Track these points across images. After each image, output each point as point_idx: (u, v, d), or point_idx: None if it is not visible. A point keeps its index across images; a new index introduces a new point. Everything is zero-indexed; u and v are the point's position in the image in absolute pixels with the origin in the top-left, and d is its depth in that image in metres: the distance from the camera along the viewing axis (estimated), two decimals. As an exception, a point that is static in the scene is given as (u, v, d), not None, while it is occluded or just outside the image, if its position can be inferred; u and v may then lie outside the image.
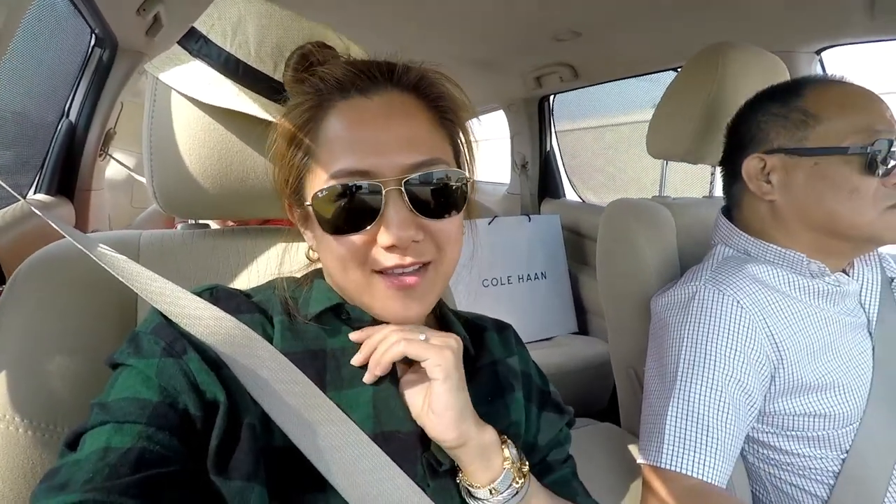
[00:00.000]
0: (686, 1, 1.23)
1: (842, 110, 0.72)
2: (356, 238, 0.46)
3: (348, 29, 0.56)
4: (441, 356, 0.46)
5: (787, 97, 0.76)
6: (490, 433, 0.49)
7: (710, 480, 0.67)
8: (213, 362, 0.44)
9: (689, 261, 0.91)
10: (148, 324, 0.46)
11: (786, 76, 1.01)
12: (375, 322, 0.51)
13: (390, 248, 0.45)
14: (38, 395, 0.52)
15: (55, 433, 0.52)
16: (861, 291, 0.79)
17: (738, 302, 0.73)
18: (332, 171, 0.46)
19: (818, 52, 1.28)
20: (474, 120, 0.55)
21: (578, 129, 2.50)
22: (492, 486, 0.47)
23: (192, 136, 0.59)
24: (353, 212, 0.45)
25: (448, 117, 0.51)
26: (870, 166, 0.69)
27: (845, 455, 0.73)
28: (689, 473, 0.67)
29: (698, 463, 0.67)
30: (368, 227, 0.45)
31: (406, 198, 0.45)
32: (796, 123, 0.74)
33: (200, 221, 0.70)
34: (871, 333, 0.78)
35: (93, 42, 1.57)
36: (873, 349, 0.77)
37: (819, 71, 1.31)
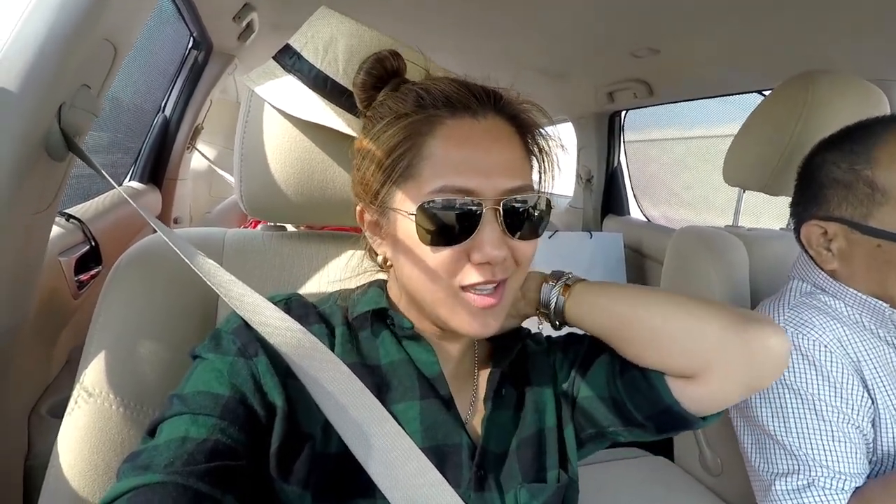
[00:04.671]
0: (777, 22, 1.17)
1: None
2: (450, 251, 0.48)
3: (417, 39, 0.58)
4: None
5: (854, 158, 0.69)
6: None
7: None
8: (282, 369, 0.47)
9: (762, 299, 0.87)
10: (229, 324, 0.50)
11: (885, 107, 0.94)
12: (414, 329, 0.54)
13: (481, 265, 0.48)
14: (129, 377, 0.57)
15: (142, 412, 0.57)
16: None
17: (825, 346, 0.69)
18: (435, 185, 0.47)
19: (925, 82, 1.17)
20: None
21: (643, 140, 2.41)
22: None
23: (280, 146, 0.63)
24: (452, 226, 0.47)
25: (535, 149, 0.55)
26: None
27: None
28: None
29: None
30: (464, 243, 0.48)
31: (501, 218, 0.48)
32: (859, 197, 0.68)
33: (279, 224, 0.74)
34: None
35: (190, 44, 1.70)
36: None
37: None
